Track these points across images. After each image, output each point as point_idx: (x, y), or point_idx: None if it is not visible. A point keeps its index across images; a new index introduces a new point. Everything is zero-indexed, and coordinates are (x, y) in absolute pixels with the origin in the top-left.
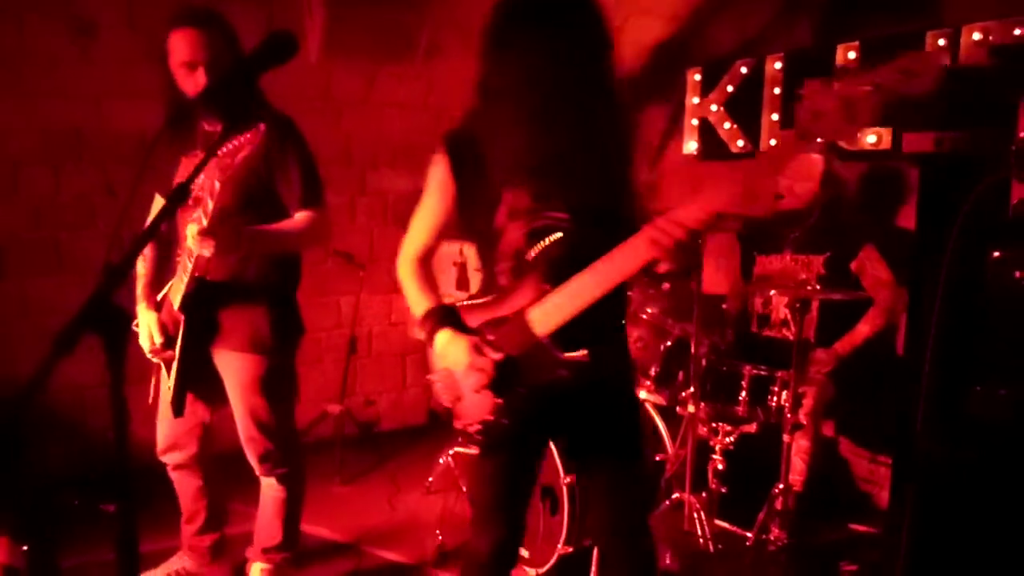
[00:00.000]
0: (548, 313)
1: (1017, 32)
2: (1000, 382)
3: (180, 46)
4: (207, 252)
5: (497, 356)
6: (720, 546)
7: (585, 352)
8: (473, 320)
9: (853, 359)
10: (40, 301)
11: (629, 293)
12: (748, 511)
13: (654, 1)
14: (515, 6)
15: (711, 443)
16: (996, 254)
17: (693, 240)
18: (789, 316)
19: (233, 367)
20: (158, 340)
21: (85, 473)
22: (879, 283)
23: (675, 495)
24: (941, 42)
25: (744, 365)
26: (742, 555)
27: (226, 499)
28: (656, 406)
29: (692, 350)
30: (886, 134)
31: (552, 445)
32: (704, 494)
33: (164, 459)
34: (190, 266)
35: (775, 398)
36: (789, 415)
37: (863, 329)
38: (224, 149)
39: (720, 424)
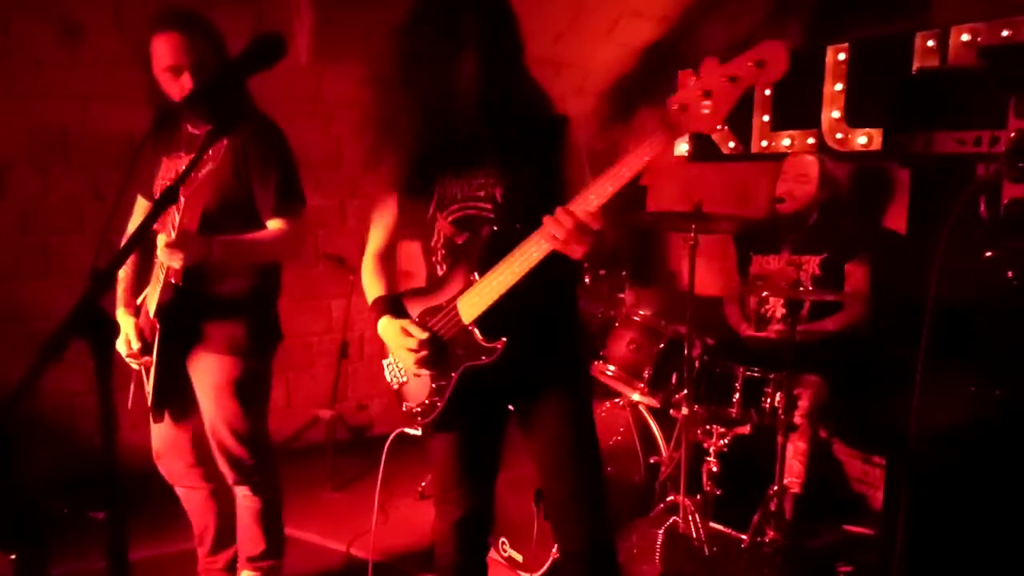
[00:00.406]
0: (472, 302)
1: (1005, 33)
2: (994, 382)
3: (163, 50)
4: (176, 263)
5: (422, 336)
6: (715, 548)
7: (503, 340)
8: (415, 309)
9: (842, 359)
10: (28, 306)
11: (620, 295)
12: (743, 513)
13: (645, 2)
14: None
15: (705, 445)
16: (988, 254)
17: (590, 229)
18: (784, 315)
19: (207, 369)
20: (135, 345)
21: (74, 480)
22: (855, 294)
23: (669, 498)
24: (930, 43)
25: (737, 367)
26: (737, 557)
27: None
28: (649, 408)
29: (685, 352)
30: (876, 135)
31: None
32: (698, 496)
33: (159, 466)
34: (163, 275)
35: (768, 400)
36: (783, 416)
37: (827, 325)
38: (185, 161)
39: (714, 426)
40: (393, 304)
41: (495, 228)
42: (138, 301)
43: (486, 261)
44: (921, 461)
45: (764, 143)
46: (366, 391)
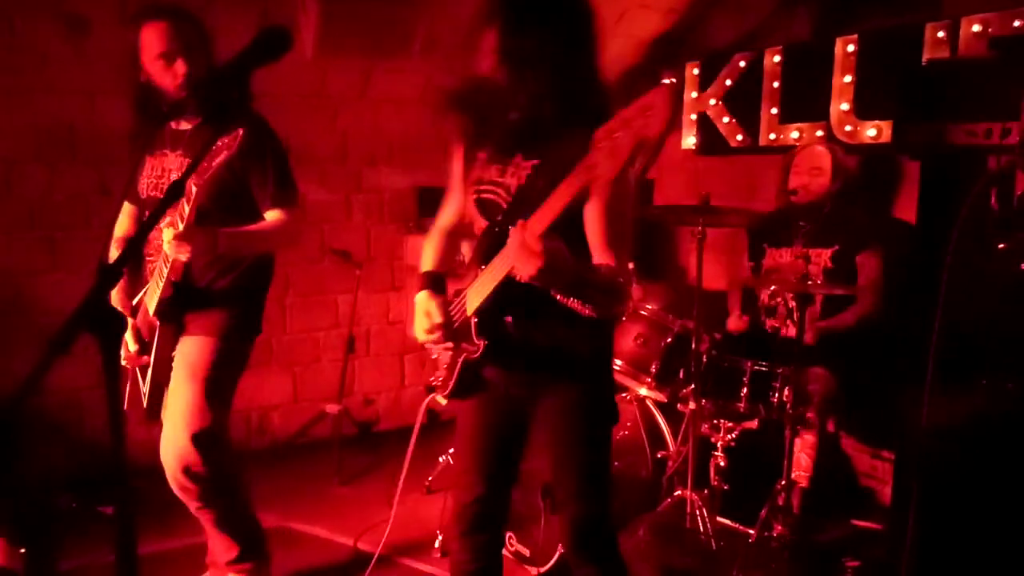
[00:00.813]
0: (476, 292)
1: (1017, 24)
2: (1006, 375)
3: (154, 39)
4: (184, 256)
5: (437, 319)
6: (722, 543)
7: (484, 342)
8: (450, 289)
9: (851, 353)
10: (35, 301)
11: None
12: (750, 508)
13: None
14: None
15: (713, 440)
16: (1001, 246)
17: (533, 252)
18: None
19: (186, 350)
20: (132, 347)
21: (82, 475)
22: (868, 285)
23: (677, 492)
24: (941, 34)
25: (745, 361)
26: (744, 552)
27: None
28: (657, 403)
29: (693, 346)
30: (886, 127)
31: None
32: (706, 491)
33: None
34: (166, 271)
35: (777, 394)
36: (791, 410)
37: (845, 318)
38: (169, 158)
39: (721, 420)
40: (434, 280)
41: (498, 218)
42: (134, 301)
43: (487, 254)
44: (931, 455)
45: (772, 136)
46: (373, 386)
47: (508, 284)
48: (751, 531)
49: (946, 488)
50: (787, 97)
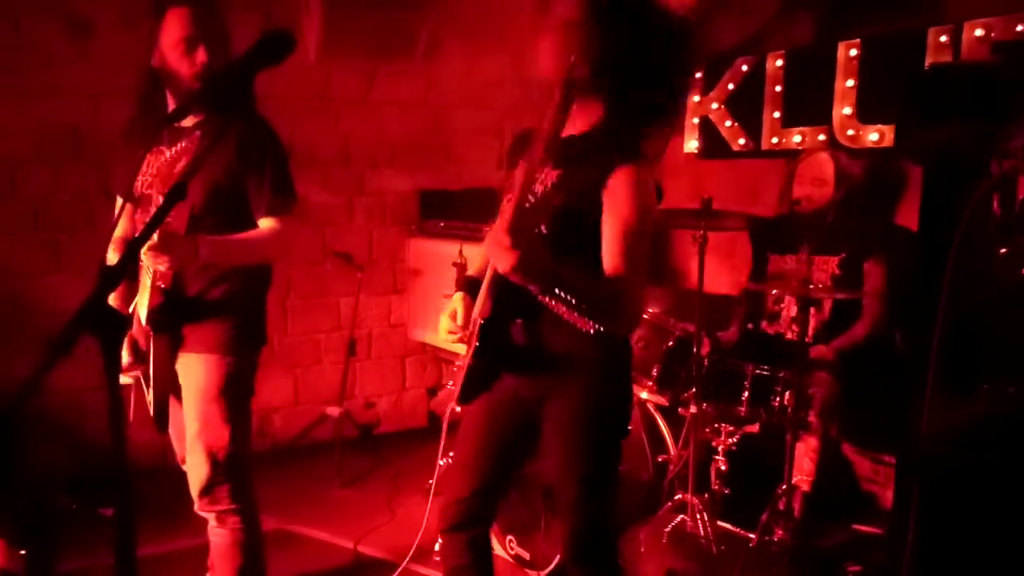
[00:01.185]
0: (479, 297)
1: (1020, 28)
2: (1008, 380)
3: (178, 24)
4: (162, 268)
5: (460, 320)
6: (723, 547)
7: (475, 346)
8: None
9: (854, 359)
10: (38, 302)
11: None
12: (751, 512)
13: None
14: None
15: (714, 444)
16: (1003, 251)
17: (503, 244)
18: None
19: (193, 370)
20: (125, 358)
21: (83, 477)
22: (874, 293)
23: (677, 496)
24: (943, 39)
25: (747, 365)
26: (745, 557)
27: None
28: (658, 406)
29: (694, 350)
30: (888, 131)
31: None
32: (707, 495)
33: (186, 468)
34: (149, 281)
35: (778, 398)
36: (792, 415)
37: (858, 331)
38: (166, 155)
39: (723, 424)
40: (471, 285)
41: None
42: (130, 309)
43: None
44: (932, 460)
45: (775, 140)
46: (374, 389)
47: (510, 288)
48: (752, 535)
49: (947, 493)
50: (789, 101)
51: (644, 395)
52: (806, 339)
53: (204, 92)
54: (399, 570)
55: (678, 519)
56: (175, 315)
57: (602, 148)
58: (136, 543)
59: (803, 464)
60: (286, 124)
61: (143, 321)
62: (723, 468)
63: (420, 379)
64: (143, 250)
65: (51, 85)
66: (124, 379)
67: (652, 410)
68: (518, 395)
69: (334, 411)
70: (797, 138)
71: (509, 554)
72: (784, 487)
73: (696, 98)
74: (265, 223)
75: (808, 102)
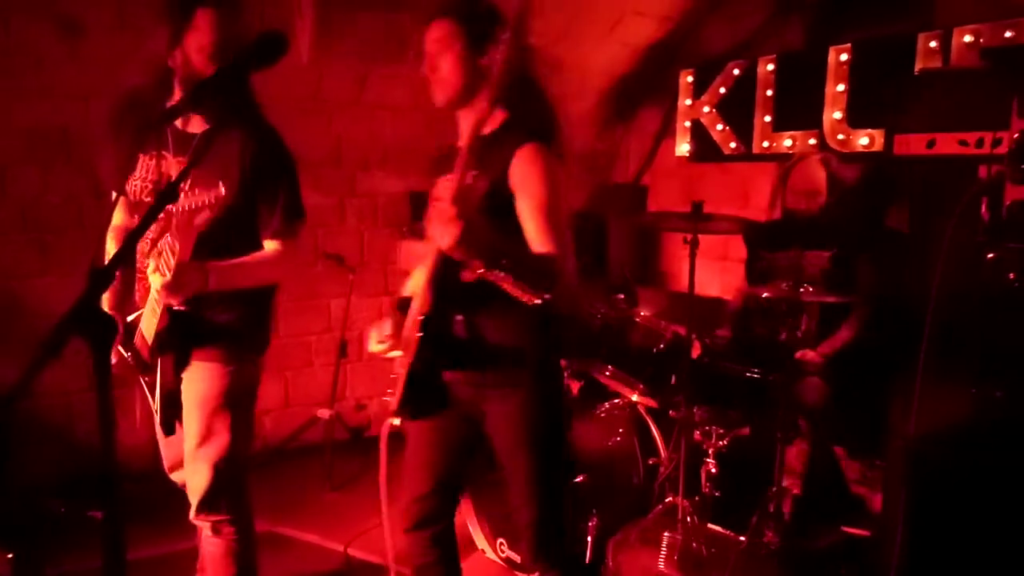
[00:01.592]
0: (413, 289)
1: (1008, 34)
2: (995, 384)
3: (209, 27)
4: (174, 304)
5: (388, 330)
6: (713, 550)
7: (418, 335)
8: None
9: (844, 362)
10: (27, 304)
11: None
12: (741, 515)
13: (646, 2)
14: None
15: (704, 446)
16: (990, 256)
17: (447, 217)
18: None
19: (195, 378)
20: (140, 370)
21: (72, 479)
22: (863, 295)
23: (668, 499)
24: (933, 44)
25: (737, 368)
26: (735, 559)
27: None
28: (648, 409)
29: (685, 353)
30: (878, 136)
31: None
32: (697, 498)
33: (174, 477)
34: (159, 309)
35: (768, 401)
36: (782, 418)
37: (844, 334)
38: (184, 206)
39: (713, 427)
40: (401, 304)
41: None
42: (129, 319)
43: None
44: (921, 463)
45: (766, 144)
46: (365, 391)
47: (448, 282)
48: (742, 538)
49: (935, 496)
50: (780, 105)
51: (635, 398)
52: (797, 336)
53: (201, 95)
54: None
55: (668, 522)
56: (182, 335)
57: (508, 134)
58: (125, 546)
59: (793, 467)
60: (278, 126)
61: (148, 339)
62: (713, 471)
63: None
64: (154, 287)
65: (41, 86)
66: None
67: (643, 413)
68: (457, 397)
69: (325, 413)
70: (788, 142)
71: (500, 557)
72: (774, 490)
73: (688, 101)
74: (270, 245)
75: (799, 106)
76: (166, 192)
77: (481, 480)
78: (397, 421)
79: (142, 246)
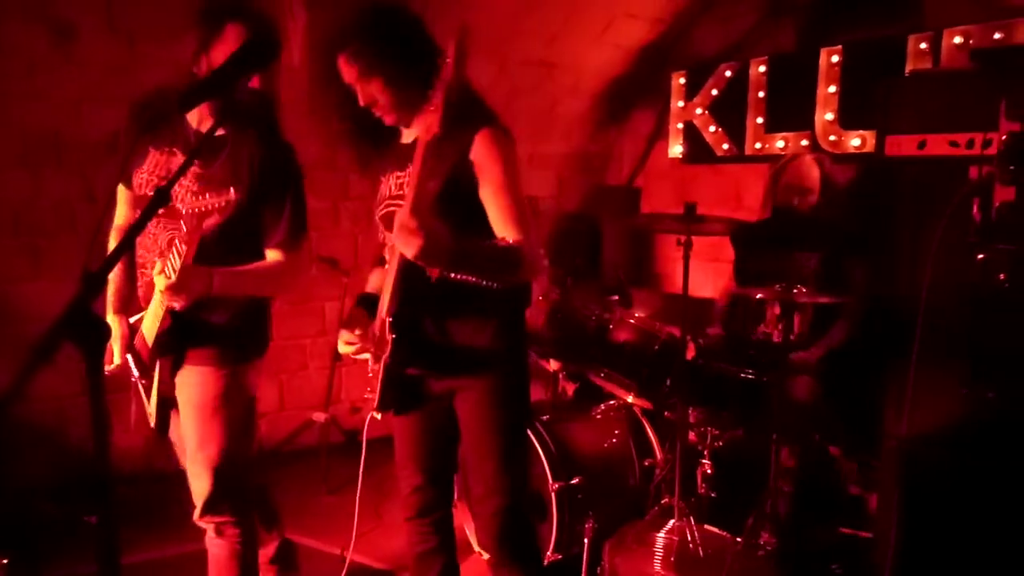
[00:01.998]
0: (384, 294)
1: (997, 36)
2: (987, 385)
3: (238, 41)
4: (177, 306)
5: (352, 336)
6: (709, 551)
7: (392, 336)
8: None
9: (838, 362)
10: (20, 309)
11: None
12: (737, 515)
13: (638, 4)
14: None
15: (699, 447)
16: (980, 257)
17: (410, 229)
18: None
19: (190, 383)
20: (116, 359)
21: (66, 484)
22: (855, 295)
23: (664, 500)
24: (923, 45)
25: (732, 368)
26: (732, 560)
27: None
28: (644, 411)
29: (679, 354)
30: (870, 137)
31: (541, 453)
32: (693, 499)
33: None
34: (162, 311)
35: (763, 401)
36: (777, 419)
37: (836, 335)
38: (194, 209)
39: (708, 428)
40: (368, 302)
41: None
42: (132, 320)
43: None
44: (913, 464)
45: (758, 145)
46: (360, 394)
47: (414, 282)
48: (738, 539)
49: (928, 496)
50: (772, 107)
51: (630, 399)
52: (791, 338)
53: (193, 96)
54: None
55: (664, 523)
56: (183, 337)
57: (454, 126)
58: (119, 550)
59: (789, 467)
60: None
61: (149, 343)
62: (709, 472)
63: None
64: (158, 288)
65: (33, 90)
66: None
67: (638, 414)
68: (431, 391)
69: (320, 417)
70: (780, 143)
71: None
72: (770, 490)
73: (680, 103)
74: (272, 255)
75: (791, 108)
76: (157, 198)
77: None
78: (379, 416)
79: (149, 244)
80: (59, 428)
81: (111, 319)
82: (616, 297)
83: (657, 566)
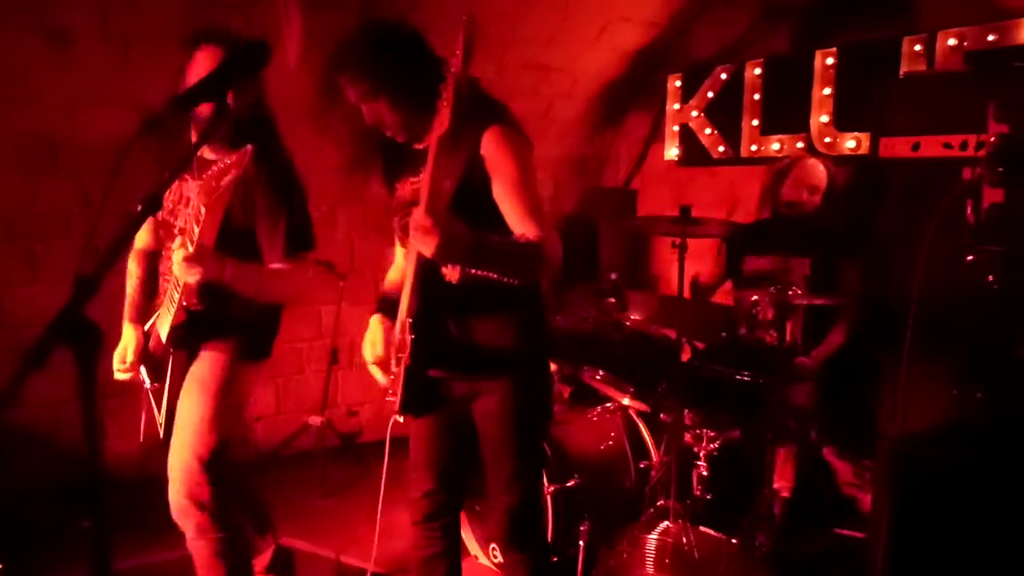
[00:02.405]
0: (403, 296)
1: (991, 38)
2: (976, 385)
3: (210, 64)
4: (192, 279)
5: (380, 350)
6: (705, 553)
7: (411, 337)
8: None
9: (835, 364)
10: (15, 313)
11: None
12: (733, 517)
13: (634, 7)
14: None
15: (695, 450)
16: (969, 258)
17: (425, 228)
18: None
19: (200, 361)
20: (129, 359)
21: (59, 489)
22: (850, 297)
23: (659, 502)
24: (917, 48)
25: (728, 371)
26: (727, 562)
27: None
28: (640, 413)
29: (675, 356)
30: (865, 139)
31: None
32: (689, 501)
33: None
34: (178, 296)
35: (759, 404)
36: (773, 421)
37: (835, 338)
38: (210, 171)
39: (704, 430)
40: (388, 306)
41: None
42: (146, 327)
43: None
44: (904, 464)
45: (754, 147)
46: (356, 397)
47: (434, 282)
48: (734, 541)
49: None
50: (768, 109)
51: (626, 401)
52: (785, 341)
53: (185, 103)
54: None
55: (660, 525)
56: (196, 332)
57: (464, 126)
58: (112, 556)
59: (784, 469)
60: None
61: (162, 338)
62: (705, 474)
63: None
64: (175, 261)
65: (28, 94)
66: (119, 376)
67: (634, 416)
68: (452, 393)
69: (316, 420)
70: (776, 145)
71: (493, 562)
72: (765, 492)
73: (676, 105)
74: (279, 268)
75: (786, 110)
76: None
77: (471, 487)
78: (401, 419)
79: (169, 266)
80: (53, 433)
81: (127, 327)
82: (612, 299)
83: (652, 568)
